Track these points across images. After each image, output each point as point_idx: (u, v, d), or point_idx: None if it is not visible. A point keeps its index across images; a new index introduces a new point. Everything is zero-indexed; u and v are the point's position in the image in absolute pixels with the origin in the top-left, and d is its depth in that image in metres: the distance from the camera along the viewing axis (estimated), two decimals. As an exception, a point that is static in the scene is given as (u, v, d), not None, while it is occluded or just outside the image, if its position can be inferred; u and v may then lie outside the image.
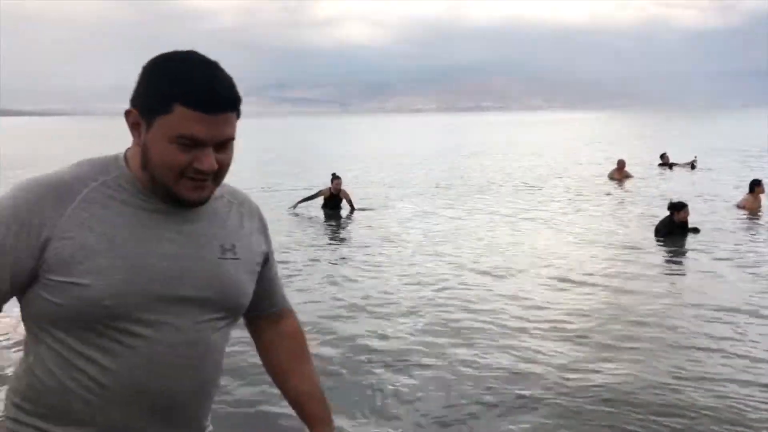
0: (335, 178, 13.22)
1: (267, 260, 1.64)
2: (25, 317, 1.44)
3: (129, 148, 1.46)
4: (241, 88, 1.40)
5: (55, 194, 1.36)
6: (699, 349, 5.69)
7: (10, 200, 1.37)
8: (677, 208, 10.51)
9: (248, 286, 1.55)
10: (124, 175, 1.42)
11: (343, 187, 13.30)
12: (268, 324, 1.72)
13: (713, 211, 13.01)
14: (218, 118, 1.34)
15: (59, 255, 1.34)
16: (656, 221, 10.88)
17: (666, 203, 11.07)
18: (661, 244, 10.09)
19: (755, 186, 12.90)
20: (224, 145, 1.38)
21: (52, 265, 1.34)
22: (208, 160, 1.35)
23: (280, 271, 1.82)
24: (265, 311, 1.70)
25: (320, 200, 13.30)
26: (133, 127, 1.40)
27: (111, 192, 1.40)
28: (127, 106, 1.40)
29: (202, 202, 1.43)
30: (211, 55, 1.39)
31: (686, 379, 5.04)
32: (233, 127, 1.38)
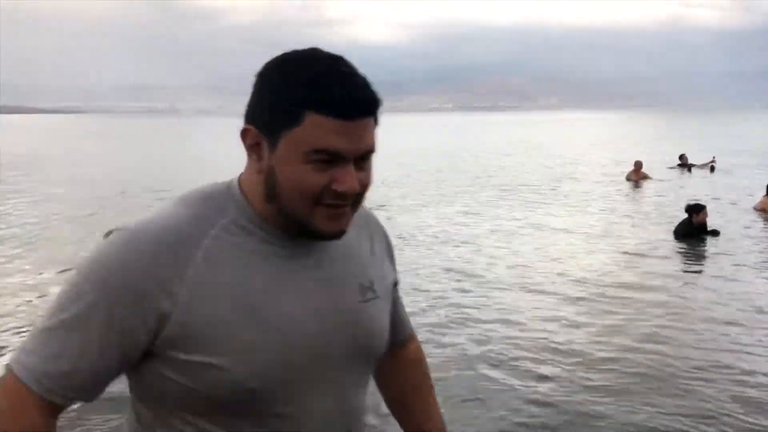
0: None
1: (395, 286, 1.40)
2: (140, 393, 1.18)
3: (242, 174, 1.19)
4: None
5: (172, 251, 1.09)
6: (724, 362, 5.51)
7: (115, 260, 1.08)
8: (696, 210, 10.39)
9: (387, 325, 1.31)
10: (245, 213, 1.16)
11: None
12: (391, 353, 1.47)
13: (732, 213, 12.85)
14: (358, 124, 1.09)
15: (186, 330, 1.08)
16: (675, 223, 10.76)
17: (684, 205, 10.95)
18: (681, 247, 9.97)
19: (774, 188, 12.74)
20: (364, 159, 1.12)
21: (176, 342, 1.08)
22: (350, 180, 1.10)
23: None
24: (392, 342, 1.42)
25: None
26: (252, 149, 1.13)
27: (234, 238, 1.13)
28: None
29: (341, 234, 1.16)
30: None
31: (715, 400, 4.86)
32: (374, 135, 1.13)
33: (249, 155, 1.15)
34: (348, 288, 1.23)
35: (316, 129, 1.07)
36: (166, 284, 1.08)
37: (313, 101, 1.07)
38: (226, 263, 1.11)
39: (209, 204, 1.16)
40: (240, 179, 1.20)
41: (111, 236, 1.12)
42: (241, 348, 1.09)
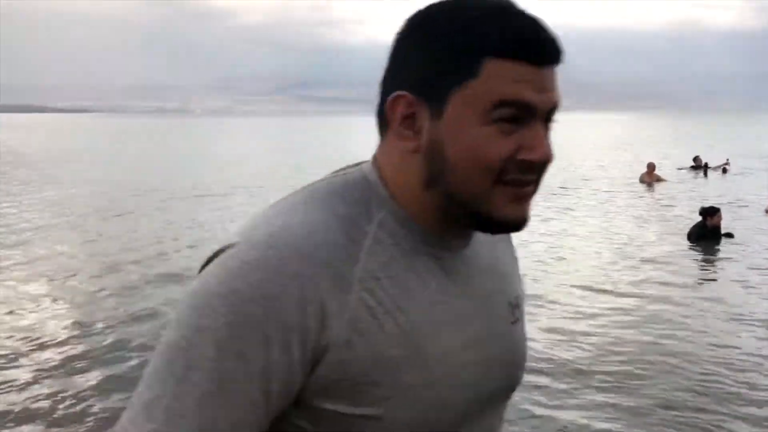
0: None
1: None
2: None
3: (377, 159, 0.92)
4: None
5: (327, 269, 0.82)
6: (750, 381, 5.37)
7: (256, 286, 0.79)
8: (710, 213, 10.30)
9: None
10: (391, 211, 0.89)
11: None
12: None
13: (746, 216, 12.76)
14: (547, 72, 0.86)
15: (341, 372, 0.82)
16: (689, 226, 10.66)
17: (698, 207, 10.85)
18: (695, 250, 9.86)
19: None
20: (548, 121, 0.88)
21: (327, 386, 0.83)
22: (542, 145, 0.86)
23: None
24: None
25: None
26: (404, 122, 0.87)
27: (387, 250, 0.87)
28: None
29: (526, 222, 0.91)
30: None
31: (732, 419, 4.75)
32: (559, 90, 0.89)
33: (396, 133, 0.88)
34: (499, 308, 0.99)
35: (501, 78, 0.83)
36: (325, 314, 0.81)
37: (494, 44, 0.83)
38: (384, 283, 0.86)
39: (351, 202, 0.89)
40: (379, 165, 0.92)
41: (234, 254, 0.82)
42: (403, 393, 0.85)
